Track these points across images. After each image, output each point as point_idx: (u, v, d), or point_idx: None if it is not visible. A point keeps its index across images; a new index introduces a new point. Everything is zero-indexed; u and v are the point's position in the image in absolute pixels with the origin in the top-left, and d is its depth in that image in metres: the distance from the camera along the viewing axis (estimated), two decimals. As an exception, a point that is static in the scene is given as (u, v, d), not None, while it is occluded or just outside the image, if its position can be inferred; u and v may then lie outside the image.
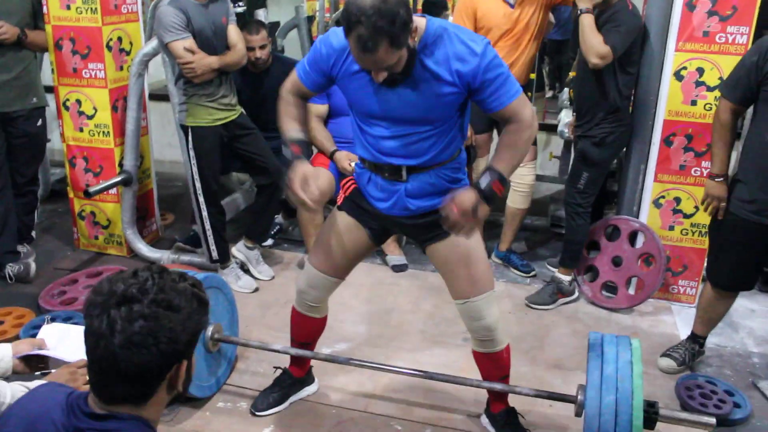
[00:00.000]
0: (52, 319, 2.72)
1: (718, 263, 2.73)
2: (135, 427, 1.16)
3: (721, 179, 2.60)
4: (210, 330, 2.50)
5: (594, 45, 2.97)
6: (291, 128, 2.16)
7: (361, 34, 1.73)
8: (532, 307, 3.39)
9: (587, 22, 3.00)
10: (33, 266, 3.56)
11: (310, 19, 5.02)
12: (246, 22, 3.74)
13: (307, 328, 2.52)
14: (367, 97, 2.00)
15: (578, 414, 2.11)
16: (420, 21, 1.91)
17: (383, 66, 1.82)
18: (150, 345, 1.12)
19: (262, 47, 3.62)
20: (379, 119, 2.03)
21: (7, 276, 3.49)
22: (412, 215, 2.17)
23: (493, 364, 2.34)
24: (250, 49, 3.56)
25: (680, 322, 3.31)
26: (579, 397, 2.10)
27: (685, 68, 3.14)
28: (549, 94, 6.39)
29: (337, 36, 2.01)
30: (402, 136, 2.03)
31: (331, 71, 2.05)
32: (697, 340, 2.91)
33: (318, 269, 2.34)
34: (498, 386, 2.33)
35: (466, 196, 1.91)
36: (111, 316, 1.12)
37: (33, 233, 3.82)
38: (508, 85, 1.93)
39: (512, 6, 3.34)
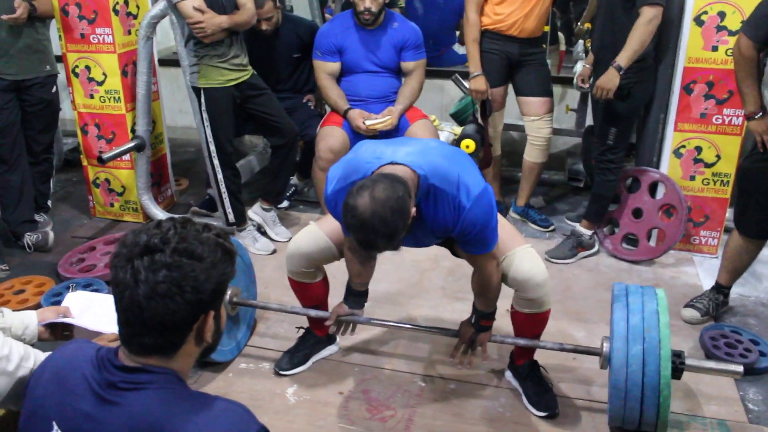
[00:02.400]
0: (76, 288, 2.73)
1: (747, 210, 2.68)
2: (166, 379, 1.16)
3: (760, 114, 2.54)
4: (228, 294, 2.45)
5: (648, 31, 2.92)
6: (357, 282, 2.32)
7: (360, 240, 1.76)
8: (552, 262, 3.36)
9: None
10: (51, 235, 3.57)
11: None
12: None
13: (309, 294, 2.49)
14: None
15: (603, 366, 2.10)
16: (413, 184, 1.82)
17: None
18: (174, 294, 1.11)
19: (267, 19, 3.58)
20: None
21: (26, 245, 3.50)
22: None
23: (533, 323, 2.30)
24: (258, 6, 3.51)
25: (702, 272, 3.28)
26: (604, 348, 2.08)
27: (705, 12, 3.05)
28: (563, 47, 6.27)
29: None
30: None
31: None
32: (721, 290, 2.87)
33: (325, 233, 2.31)
34: (521, 341, 2.32)
35: (464, 333, 2.26)
36: (135, 267, 1.12)
37: (49, 202, 3.82)
38: (484, 242, 1.98)
39: None
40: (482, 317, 2.20)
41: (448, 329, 2.35)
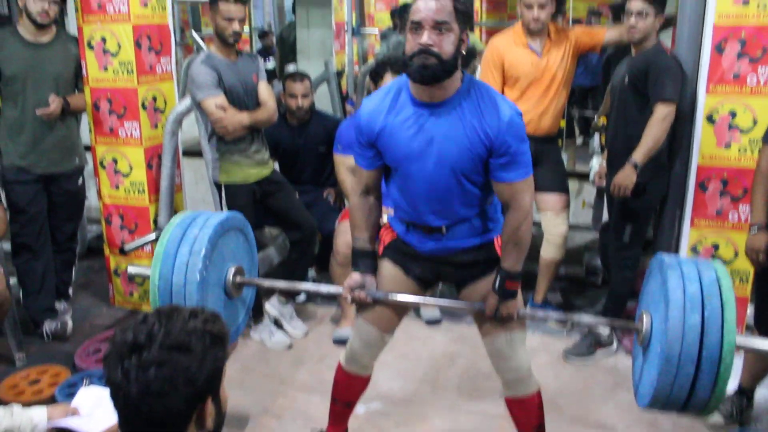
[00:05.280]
0: (90, 381, 2.73)
1: (766, 311, 2.64)
2: None
3: (762, 229, 2.52)
4: (231, 272, 2.35)
5: (663, 128, 2.98)
6: (358, 237, 2.26)
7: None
8: (569, 360, 3.31)
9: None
10: (70, 324, 3.59)
11: (340, 74, 5.11)
12: (290, 73, 3.84)
13: (354, 388, 2.46)
14: (409, 140, 2.00)
15: (643, 342, 2.00)
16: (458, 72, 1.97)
17: (438, 19, 1.86)
18: (168, 391, 1.11)
19: (304, 96, 3.70)
20: (416, 170, 2.02)
21: (45, 333, 3.53)
22: (454, 253, 2.17)
23: (525, 411, 2.28)
24: (292, 96, 3.66)
25: (726, 373, 3.19)
26: (644, 323, 1.99)
27: (717, 111, 3.10)
28: (579, 140, 6.37)
29: (367, 102, 2.10)
30: (438, 193, 2.04)
31: (376, 133, 2.06)
32: (745, 393, 2.80)
33: (369, 321, 2.29)
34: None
35: (488, 304, 2.11)
36: (125, 366, 1.12)
37: (70, 290, 3.87)
38: (523, 164, 1.99)
39: (539, 55, 3.36)
40: (508, 277, 2.08)
41: (471, 304, 2.21)
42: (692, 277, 1.89)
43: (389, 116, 2.02)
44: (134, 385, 1.11)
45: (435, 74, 1.89)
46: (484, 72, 3.45)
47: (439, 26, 1.87)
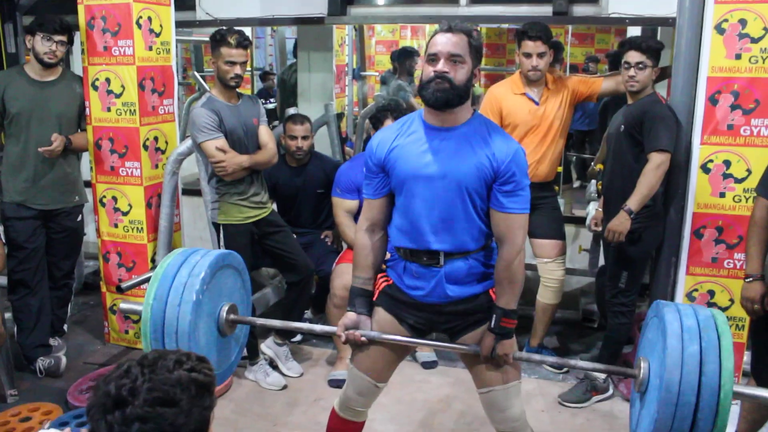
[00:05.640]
0: (80, 424, 2.69)
1: (761, 360, 2.64)
2: None
3: (758, 279, 2.53)
4: (225, 309, 2.30)
5: (657, 176, 3.02)
6: (358, 276, 2.27)
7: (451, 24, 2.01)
8: (565, 405, 3.29)
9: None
10: (63, 360, 3.58)
11: (340, 116, 5.16)
12: (291, 115, 3.89)
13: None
14: (418, 156, 2.07)
15: (640, 388, 1.99)
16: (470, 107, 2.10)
17: (453, 52, 1.97)
18: None
19: (304, 138, 3.74)
20: (423, 188, 2.07)
21: (38, 370, 3.51)
22: (449, 302, 2.16)
23: None
24: (292, 138, 3.71)
25: (723, 421, 3.18)
26: (642, 369, 1.98)
27: (711, 161, 3.14)
28: (576, 184, 6.41)
29: (380, 131, 2.23)
30: (440, 215, 2.07)
31: (386, 153, 2.13)
32: (742, 443, 2.79)
33: (362, 371, 2.28)
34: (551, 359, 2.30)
35: (485, 344, 2.11)
36: (108, 421, 1.10)
37: (65, 326, 3.86)
38: (523, 198, 2.06)
39: (537, 103, 3.42)
40: (504, 315, 2.09)
41: (467, 345, 2.19)
42: (689, 314, 1.92)
43: (400, 137, 2.12)
44: None
45: (448, 99, 1.99)
46: None
47: (453, 58, 1.99)
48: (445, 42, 1.99)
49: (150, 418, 1.09)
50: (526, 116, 3.41)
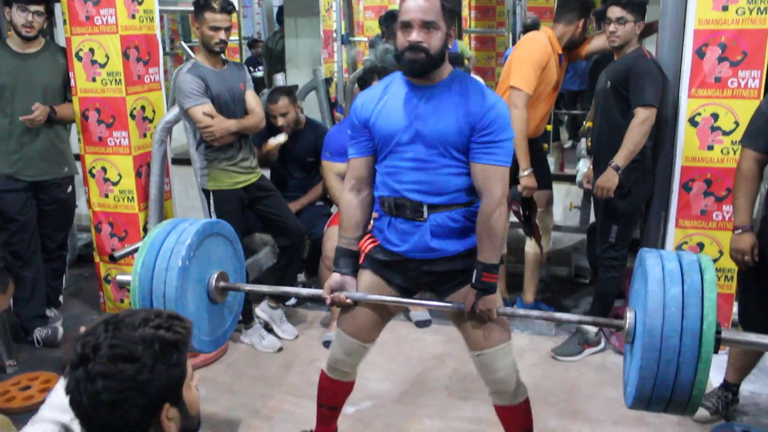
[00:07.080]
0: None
1: (750, 307, 2.68)
2: None
3: (747, 230, 2.55)
4: (215, 277, 2.31)
5: (642, 132, 3.02)
6: (343, 236, 2.28)
7: None
8: (558, 359, 3.34)
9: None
10: (60, 330, 3.61)
11: (328, 81, 5.13)
12: (270, 93, 3.85)
13: (337, 393, 2.47)
14: (402, 114, 2.09)
15: (627, 339, 1.98)
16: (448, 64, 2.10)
17: (426, 19, 1.97)
18: (119, 401, 1.11)
19: (283, 114, 3.71)
20: (405, 145, 2.09)
21: (35, 340, 3.54)
22: (434, 259, 2.17)
23: (513, 417, 2.30)
24: (272, 117, 3.66)
25: (711, 369, 3.22)
26: (628, 319, 1.95)
27: (699, 114, 3.15)
28: (568, 144, 6.42)
29: (364, 92, 2.24)
30: (424, 167, 2.09)
31: (371, 111, 2.15)
32: (730, 387, 2.84)
33: (349, 334, 2.30)
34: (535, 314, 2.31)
35: (467, 300, 2.11)
36: (75, 378, 1.12)
37: (61, 298, 3.89)
38: (502, 152, 2.06)
39: (560, 63, 3.43)
40: (485, 269, 2.07)
41: (452, 303, 2.18)
42: (671, 258, 1.89)
43: (384, 96, 2.14)
44: (85, 396, 1.11)
45: (424, 67, 2.02)
46: (527, 69, 3.28)
47: (427, 25, 1.98)
48: (417, 8, 1.98)
49: (111, 375, 1.10)
50: (554, 76, 3.40)
